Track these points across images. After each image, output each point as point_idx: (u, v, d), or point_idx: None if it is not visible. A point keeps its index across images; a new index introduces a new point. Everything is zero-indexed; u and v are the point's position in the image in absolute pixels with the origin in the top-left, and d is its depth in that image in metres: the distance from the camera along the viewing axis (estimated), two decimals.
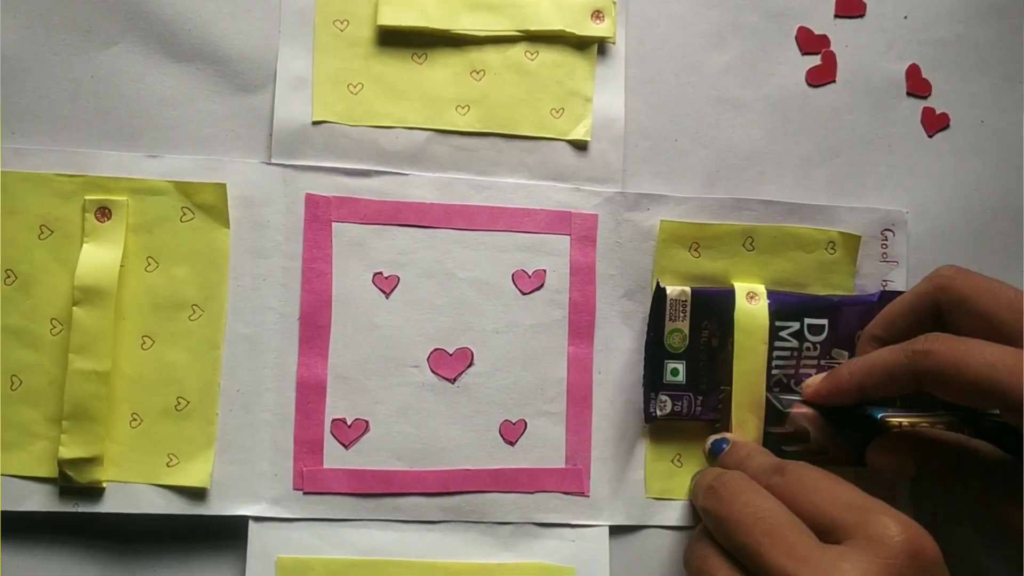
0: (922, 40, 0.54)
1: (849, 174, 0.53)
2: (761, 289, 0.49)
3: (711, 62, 0.52)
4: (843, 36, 0.53)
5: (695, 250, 0.50)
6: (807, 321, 0.50)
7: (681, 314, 0.48)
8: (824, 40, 0.53)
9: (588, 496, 0.48)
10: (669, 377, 0.48)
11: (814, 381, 0.47)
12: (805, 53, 0.53)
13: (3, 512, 0.44)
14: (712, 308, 0.48)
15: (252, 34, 0.48)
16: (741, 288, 0.49)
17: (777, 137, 0.52)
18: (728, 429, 0.48)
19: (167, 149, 0.47)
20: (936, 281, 0.44)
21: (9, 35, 0.46)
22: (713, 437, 0.48)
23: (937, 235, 0.52)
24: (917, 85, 0.54)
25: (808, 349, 0.50)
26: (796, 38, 0.53)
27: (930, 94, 0.54)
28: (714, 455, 0.47)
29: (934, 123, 0.54)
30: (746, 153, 0.51)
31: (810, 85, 0.53)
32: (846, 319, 0.50)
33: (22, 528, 0.45)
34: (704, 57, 0.52)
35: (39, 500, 0.44)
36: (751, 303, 0.49)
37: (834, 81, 0.53)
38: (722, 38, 0.52)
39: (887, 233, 0.51)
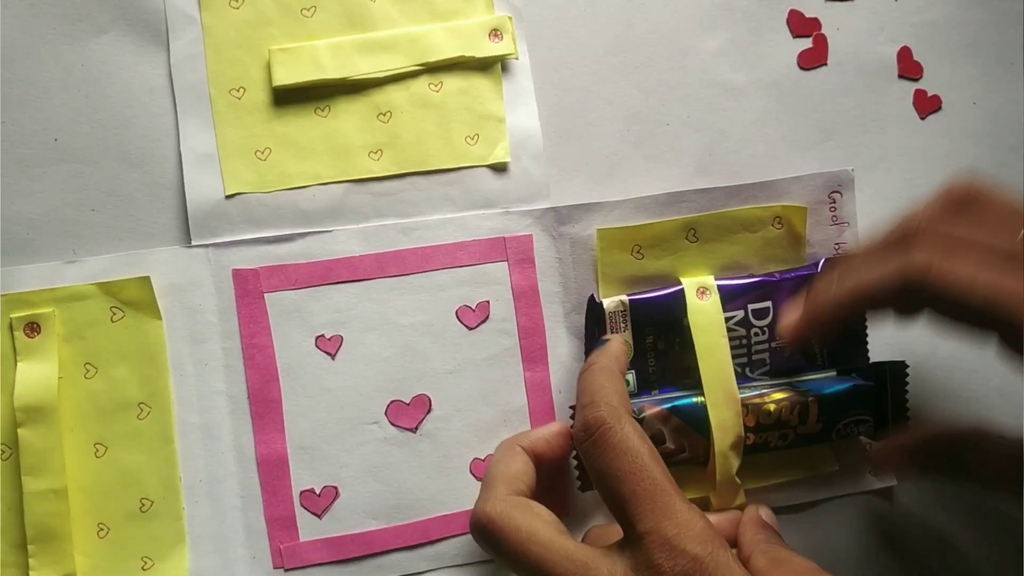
0: (913, 22, 0.53)
1: (842, 157, 0.52)
2: (711, 282, 0.48)
3: (702, 46, 0.51)
4: (834, 19, 0.53)
5: (637, 252, 0.49)
6: (750, 307, 0.49)
7: (622, 324, 0.47)
8: (815, 23, 0.53)
9: (571, 516, 0.47)
10: None
11: (790, 320, 0.45)
12: (796, 36, 0.52)
13: None
14: (652, 312, 0.47)
15: None
16: (691, 284, 0.48)
17: (769, 120, 0.52)
18: (707, 435, 0.47)
19: (158, 138, 0.47)
20: (908, 274, 0.38)
21: None
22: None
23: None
24: (909, 67, 0.53)
25: (756, 335, 0.49)
26: (787, 21, 0.52)
27: (922, 76, 0.54)
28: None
29: (926, 105, 0.53)
30: (738, 136, 0.51)
31: (802, 68, 0.52)
32: (789, 295, 0.49)
33: None
34: (695, 41, 0.51)
35: None
36: (703, 299, 0.48)
37: (826, 64, 0.53)
38: (713, 22, 0.51)
39: (835, 195, 0.50)
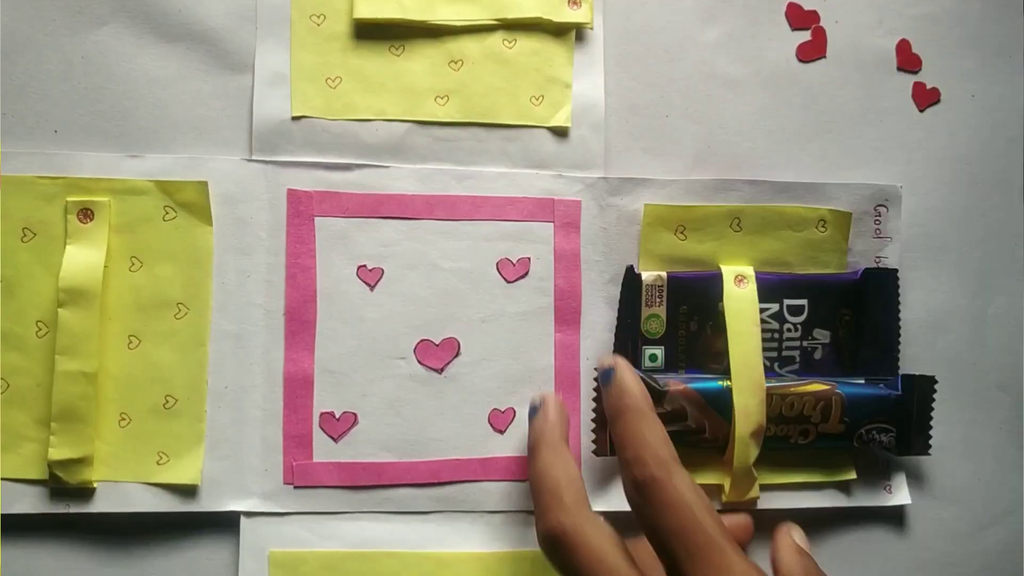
0: (912, 15, 0.54)
1: (840, 150, 0.53)
2: (750, 272, 0.49)
3: (700, 38, 0.52)
4: (833, 11, 0.53)
5: (681, 233, 0.49)
6: (786, 302, 0.49)
7: (657, 299, 0.48)
8: (814, 16, 0.53)
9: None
10: (648, 363, 0.48)
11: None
12: (795, 29, 0.53)
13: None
14: (689, 292, 0.48)
15: (240, 14, 0.48)
16: (729, 272, 0.48)
17: (768, 113, 0.52)
18: (729, 420, 0.47)
19: (159, 130, 0.47)
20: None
21: None
22: (605, 364, 0.44)
23: (929, 210, 0.52)
24: (907, 60, 0.53)
25: (789, 330, 0.49)
26: (786, 14, 0.53)
27: (921, 69, 0.54)
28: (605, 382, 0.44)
29: (925, 98, 0.54)
30: (737, 129, 0.51)
31: (800, 61, 0.53)
32: (827, 298, 0.49)
33: (14, 529, 0.45)
34: (693, 33, 0.52)
35: (31, 502, 0.45)
36: (740, 287, 0.48)
37: (824, 57, 0.53)
38: (711, 14, 0.52)
39: (880, 209, 0.51)
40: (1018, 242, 0.53)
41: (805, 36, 0.53)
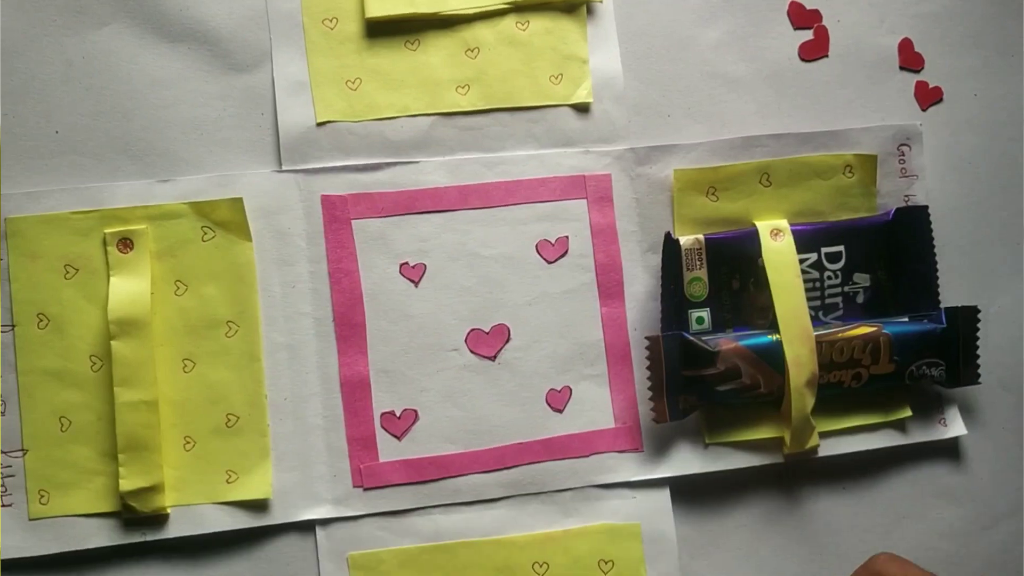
0: (914, 14, 0.54)
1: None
2: (784, 224, 0.49)
3: (703, 37, 0.52)
4: (835, 10, 0.53)
5: (712, 194, 0.50)
6: (824, 250, 0.50)
7: (698, 262, 0.48)
8: (816, 15, 0.53)
9: (643, 451, 0.48)
10: (695, 326, 0.48)
11: None
12: (797, 28, 0.53)
13: (71, 552, 0.45)
14: (728, 252, 0.49)
15: (242, 14, 0.48)
16: (764, 227, 0.49)
17: (770, 111, 0.52)
18: (783, 372, 0.47)
19: (159, 130, 0.47)
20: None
21: (0, 16, 0.46)
22: None
23: (932, 208, 0.52)
24: (910, 59, 0.54)
25: (830, 278, 0.50)
26: (788, 13, 0.53)
27: (923, 68, 0.54)
28: None
29: (927, 97, 0.54)
30: (739, 128, 0.52)
31: (803, 60, 0.53)
32: (862, 241, 0.50)
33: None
34: (695, 32, 0.52)
35: (106, 535, 0.45)
36: (777, 240, 0.49)
37: (827, 56, 0.53)
38: (713, 14, 0.52)
39: (903, 148, 0.51)
40: (1020, 241, 0.54)
41: (807, 35, 0.53)
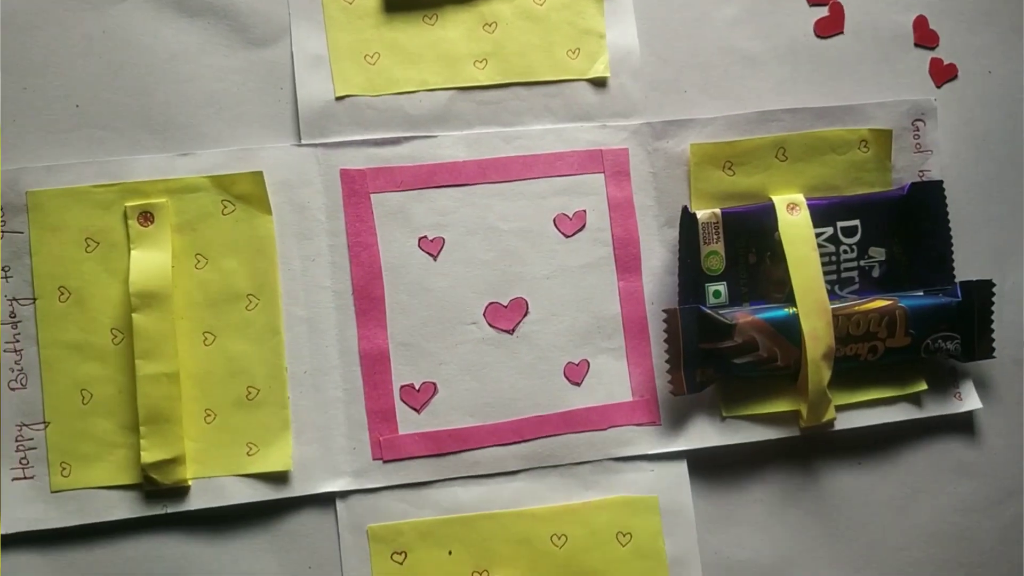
0: None
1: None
2: (800, 198, 0.49)
3: (719, 13, 0.52)
4: None
5: (729, 168, 0.50)
6: (839, 224, 0.50)
7: (715, 236, 0.48)
8: None
9: (660, 425, 0.48)
10: (712, 299, 0.49)
11: None
12: (813, 4, 0.53)
13: (93, 524, 0.45)
14: (745, 225, 0.49)
15: None
16: (780, 201, 0.49)
17: (786, 88, 0.52)
18: (799, 346, 0.47)
19: (178, 104, 0.47)
20: None
21: None
22: None
23: (946, 183, 0.52)
24: (925, 36, 0.54)
25: (845, 252, 0.50)
26: None
27: (938, 45, 0.54)
28: None
29: (942, 74, 0.54)
30: (755, 103, 0.52)
31: (818, 37, 0.53)
32: (877, 216, 0.50)
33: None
34: (712, 8, 0.52)
35: (127, 507, 0.45)
36: (793, 214, 0.49)
37: (842, 32, 0.53)
38: None
39: (917, 123, 0.51)
40: None
41: (823, 12, 0.53)
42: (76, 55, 0.47)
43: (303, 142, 0.47)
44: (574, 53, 0.49)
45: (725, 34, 0.51)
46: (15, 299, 0.45)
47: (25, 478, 0.44)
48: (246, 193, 0.46)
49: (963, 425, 0.51)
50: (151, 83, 0.47)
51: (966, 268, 0.52)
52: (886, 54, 0.53)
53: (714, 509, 0.49)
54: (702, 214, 0.48)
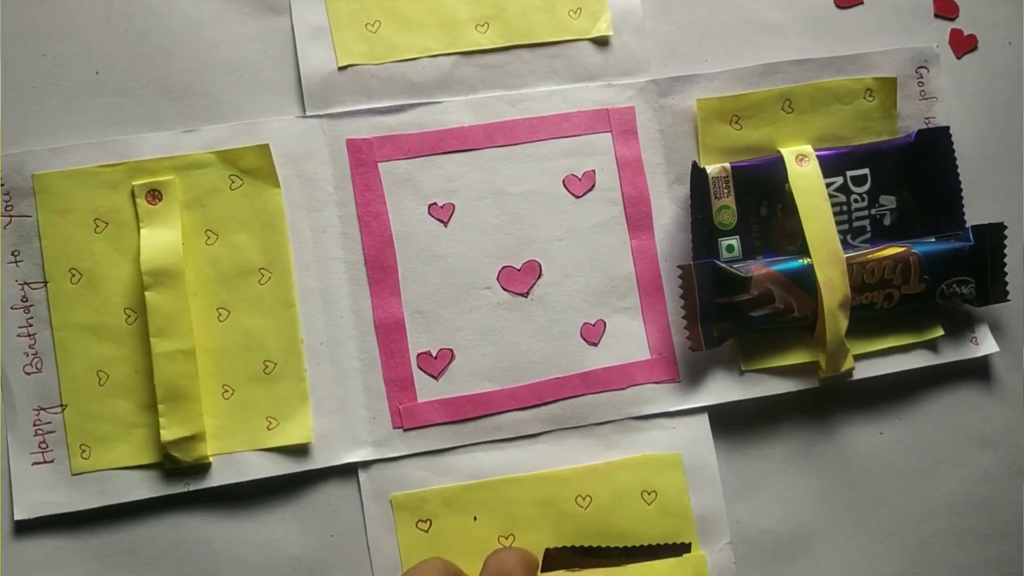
0: None
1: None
2: (809, 149, 0.49)
3: None
4: None
5: (736, 122, 0.50)
6: (849, 174, 0.50)
7: (725, 190, 0.48)
8: None
9: (680, 381, 0.48)
10: (725, 254, 0.48)
11: None
12: None
13: (115, 505, 0.45)
14: (755, 179, 0.49)
15: None
16: (789, 153, 0.49)
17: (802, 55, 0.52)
18: (815, 296, 0.47)
19: (200, 71, 0.47)
20: None
21: None
22: None
23: (966, 156, 0.52)
24: (945, 7, 0.54)
25: (856, 201, 0.50)
26: None
27: (958, 16, 0.54)
28: None
29: (962, 45, 0.54)
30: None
31: (838, 7, 0.53)
32: (886, 164, 0.50)
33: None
34: None
35: (149, 486, 0.45)
36: (802, 165, 0.49)
37: (862, 3, 0.53)
38: None
39: (921, 71, 0.51)
40: None
41: None
42: (96, 22, 0.47)
43: (308, 113, 0.46)
44: (575, 13, 0.49)
45: (744, 3, 0.51)
46: (26, 283, 0.45)
47: (45, 462, 0.44)
48: (253, 167, 0.46)
49: (980, 371, 0.51)
50: (171, 50, 0.47)
51: (977, 213, 0.51)
52: (906, 25, 0.52)
53: (736, 478, 0.49)
54: (712, 169, 0.48)
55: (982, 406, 0.51)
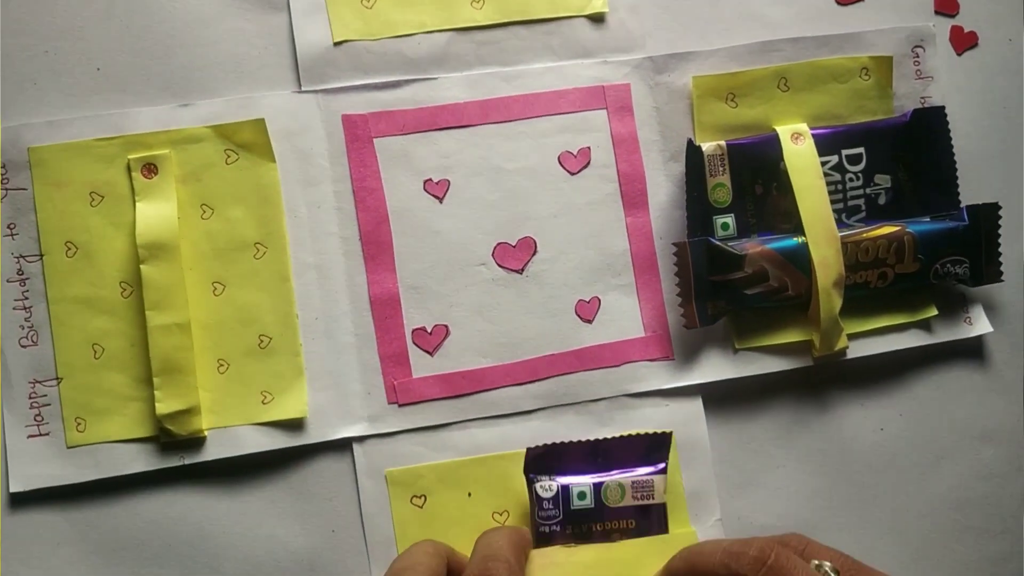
0: None
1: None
2: (804, 128, 0.49)
3: None
4: None
5: (732, 100, 0.50)
6: (844, 152, 0.50)
7: (721, 168, 0.48)
8: None
9: (673, 359, 0.48)
10: (720, 232, 0.49)
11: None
12: None
13: (111, 478, 0.45)
14: (750, 157, 0.49)
15: None
16: (784, 131, 0.49)
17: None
18: (809, 274, 0.48)
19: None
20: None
21: None
22: None
23: (966, 154, 0.52)
24: (945, 3, 0.53)
25: (851, 180, 0.50)
26: None
27: (958, 12, 0.54)
28: None
29: (963, 41, 0.54)
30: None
31: (839, 4, 0.53)
32: (881, 143, 0.50)
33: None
34: None
35: (144, 460, 0.45)
36: (797, 144, 0.49)
37: (863, 0, 0.53)
38: None
39: (917, 50, 0.51)
40: None
41: None
42: (98, 19, 0.47)
43: (303, 89, 0.46)
44: None
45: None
46: (22, 256, 0.45)
47: (41, 435, 0.44)
48: (249, 141, 0.46)
49: (974, 352, 0.51)
50: (172, 47, 0.47)
51: (972, 195, 0.52)
52: (906, 21, 0.52)
53: (736, 474, 0.49)
54: (707, 146, 0.48)
55: (976, 388, 0.52)
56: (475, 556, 0.40)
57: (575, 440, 0.46)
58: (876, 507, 0.50)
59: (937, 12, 0.53)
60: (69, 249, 0.45)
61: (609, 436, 0.46)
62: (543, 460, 0.45)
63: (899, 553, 0.50)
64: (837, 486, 0.50)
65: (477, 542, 0.42)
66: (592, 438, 0.46)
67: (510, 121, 0.48)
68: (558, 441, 0.46)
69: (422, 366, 0.47)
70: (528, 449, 0.45)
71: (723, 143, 0.48)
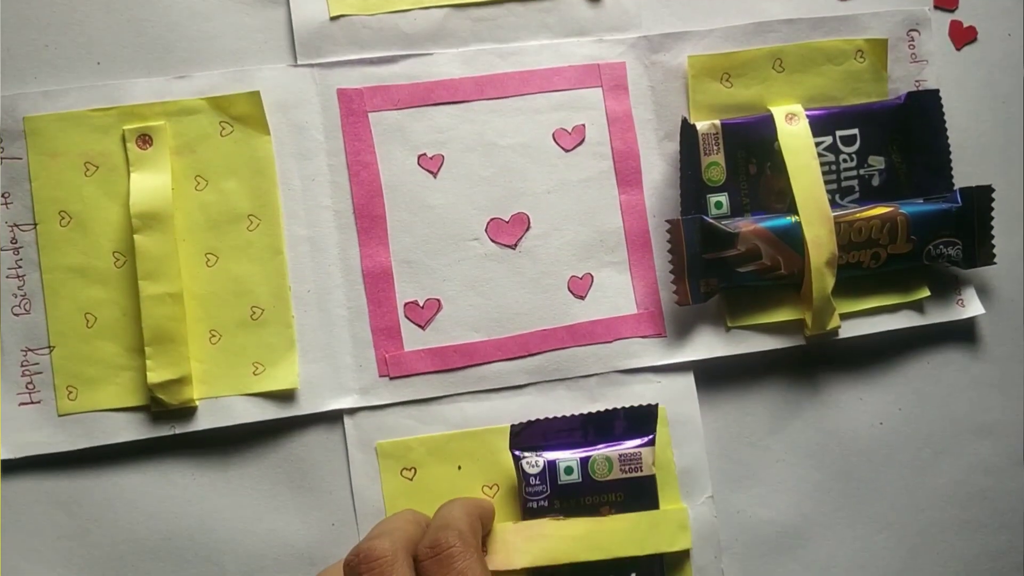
0: None
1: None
2: (799, 108, 0.49)
3: None
4: None
5: (727, 80, 0.50)
6: (838, 133, 0.50)
7: (715, 147, 0.48)
8: None
9: (665, 336, 0.48)
10: (714, 210, 0.49)
11: None
12: None
13: (102, 447, 0.45)
14: (744, 136, 0.49)
15: None
16: (779, 111, 0.49)
17: None
18: (802, 253, 0.48)
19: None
20: None
21: None
22: None
23: (965, 149, 0.52)
24: None
25: (845, 161, 0.50)
26: None
27: (957, 7, 0.54)
28: None
29: (962, 36, 0.54)
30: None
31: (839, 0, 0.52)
32: (876, 125, 0.50)
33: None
34: None
35: (135, 429, 0.45)
36: (791, 124, 0.49)
37: None
38: None
39: (913, 33, 0.51)
40: None
41: None
42: (98, 12, 0.47)
43: (299, 62, 0.47)
44: None
45: None
46: (16, 225, 0.45)
47: (32, 403, 0.44)
48: (244, 114, 0.46)
49: (965, 334, 0.51)
50: (172, 40, 0.47)
51: (965, 178, 0.52)
52: (902, 5, 0.52)
53: (735, 468, 0.49)
54: (702, 125, 0.48)
55: (968, 372, 0.52)
56: (431, 526, 0.40)
57: (560, 416, 0.46)
58: (874, 502, 0.50)
59: (936, 7, 0.53)
60: (63, 218, 0.45)
61: (602, 411, 0.46)
62: (529, 436, 0.45)
63: (897, 548, 0.50)
64: (835, 481, 0.50)
65: (435, 513, 0.42)
66: (579, 412, 0.46)
67: (505, 97, 0.48)
68: (546, 416, 0.46)
69: (414, 340, 0.47)
70: (512, 426, 0.45)
71: (717, 122, 0.48)
